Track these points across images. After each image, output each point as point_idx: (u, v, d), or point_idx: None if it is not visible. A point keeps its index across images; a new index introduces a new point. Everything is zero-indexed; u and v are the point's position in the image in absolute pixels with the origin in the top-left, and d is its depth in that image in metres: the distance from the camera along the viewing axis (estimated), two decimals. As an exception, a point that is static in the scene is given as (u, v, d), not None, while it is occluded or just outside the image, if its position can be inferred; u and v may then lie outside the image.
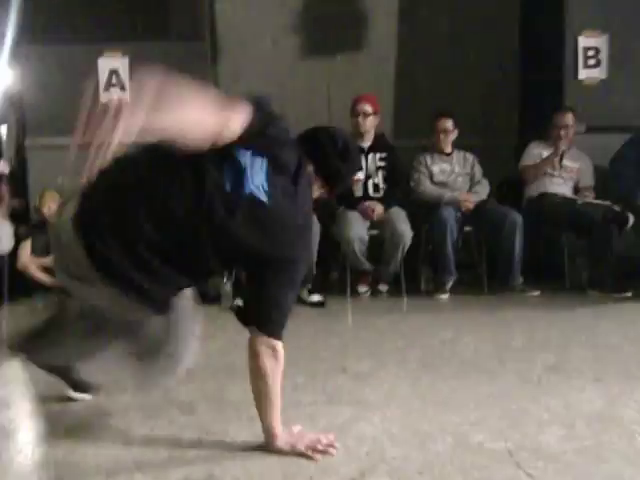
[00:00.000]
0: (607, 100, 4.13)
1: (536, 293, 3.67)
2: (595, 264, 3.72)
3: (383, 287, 3.82)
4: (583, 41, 4.21)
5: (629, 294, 3.55)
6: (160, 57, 4.37)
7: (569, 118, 3.93)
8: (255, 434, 1.62)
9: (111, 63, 4.32)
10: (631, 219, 3.56)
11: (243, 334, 1.54)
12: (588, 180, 4.04)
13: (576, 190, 4.04)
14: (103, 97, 4.33)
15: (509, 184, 4.24)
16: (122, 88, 4.34)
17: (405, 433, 1.62)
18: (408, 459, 1.46)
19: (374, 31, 4.70)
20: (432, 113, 4.08)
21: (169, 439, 1.61)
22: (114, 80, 4.33)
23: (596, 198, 3.92)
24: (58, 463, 1.48)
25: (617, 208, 3.66)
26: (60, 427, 1.72)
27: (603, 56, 4.21)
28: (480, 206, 3.88)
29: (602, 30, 4.19)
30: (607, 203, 3.74)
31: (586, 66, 4.22)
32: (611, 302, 3.43)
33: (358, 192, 3.83)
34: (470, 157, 4.06)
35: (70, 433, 1.67)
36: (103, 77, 4.33)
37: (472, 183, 4.03)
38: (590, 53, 4.21)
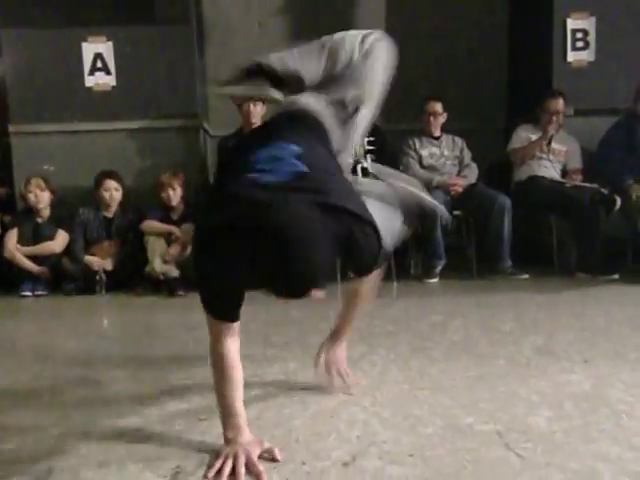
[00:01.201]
0: (595, 82, 4.15)
1: (525, 276, 3.70)
2: (583, 247, 3.75)
3: (373, 272, 3.83)
4: (571, 23, 4.21)
5: (616, 276, 3.59)
6: (145, 41, 4.32)
7: (560, 104, 3.95)
8: (247, 420, 1.62)
9: (95, 47, 4.25)
10: (618, 201, 3.59)
11: (233, 321, 1.53)
12: (576, 163, 4.06)
13: (564, 173, 4.05)
14: (88, 81, 4.27)
15: (498, 167, 4.25)
16: (107, 72, 4.28)
17: (396, 417, 1.63)
18: (399, 442, 1.47)
19: (362, 13, 4.66)
20: (422, 96, 4.07)
21: (161, 428, 1.60)
22: (99, 64, 4.27)
23: (584, 181, 3.94)
24: (49, 454, 1.48)
25: (605, 191, 3.69)
26: (50, 418, 1.71)
27: (591, 38, 4.21)
28: (469, 190, 3.89)
29: (590, 12, 4.18)
30: (595, 186, 3.77)
31: (574, 48, 4.23)
32: (599, 284, 3.47)
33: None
34: (459, 141, 4.07)
35: (60, 424, 1.67)
36: (88, 61, 4.27)
37: (461, 167, 4.04)
38: (578, 35, 4.21)
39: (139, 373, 2.09)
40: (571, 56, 4.24)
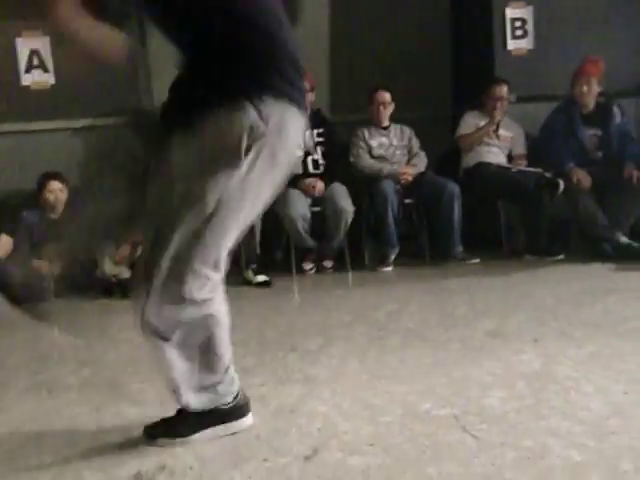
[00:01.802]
0: (535, 69, 4.26)
1: (476, 261, 3.79)
2: (530, 230, 3.87)
3: (328, 263, 3.85)
4: (510, 12, 4.31)
5: (562, 256, 3.72)
6: (84, 36, 4.16)
7: (504, 90, 4.04)
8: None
9: (31, 43, 4.08)
10: (561, 185, 3.71)
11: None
12: (521, 148, 4.17)
13: (510, 158, 4.16)
14: (25, 79, 4.11)
15: (446, 155, 4.32)
16: (45, 70, 4.12)
17: (355, 407, 1.65)
18: (359, 432, 1.49)
19: (307, 6, 4.63)
20: (368, 87, 4.09)
21: (118, 433, 1.58)
22: (35, 61, 4.11)
23: (528, 165, 4.05)
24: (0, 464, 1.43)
25: (548, 175, 3.80)
26: (2, 427, 1.66)
27: (529, 27, 4.33)
28: (419, 178, 3.95)
29: (527, 1, 4.30)
30: (539, 170, 3.88)
31: (514, 37, 4.33)
32: (546, 265, 3.59)
33: (298, 169, 3.82)
34: (407, 130, 4.11)
35: (12, 433, 1.61)
36: (23, 58, 4.09)
37: (410, 155, 4.09)
38: (517, 24, 4.32)
39: (94, 379, 2.05)
40: (511, 44, 4.34)
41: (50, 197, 3.84)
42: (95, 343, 2.58)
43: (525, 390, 1.71)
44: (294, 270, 3.70)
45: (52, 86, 4.11)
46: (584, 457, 1.32)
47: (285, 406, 1.69)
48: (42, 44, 4.09)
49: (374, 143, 4.03)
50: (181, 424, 1.48)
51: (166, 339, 1.38)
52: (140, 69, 4.25)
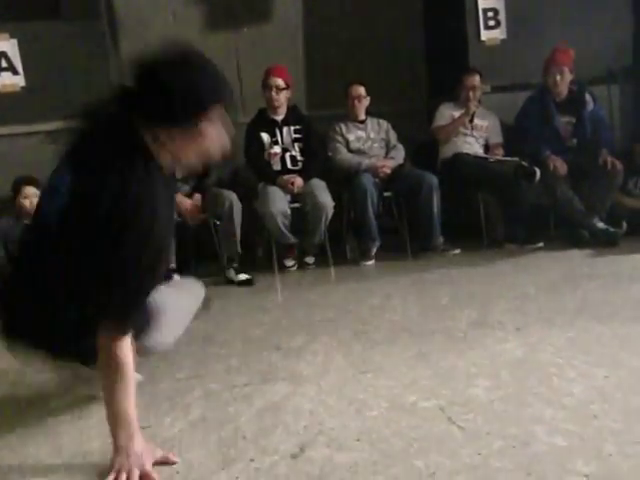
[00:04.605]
0: (508, 59, 4.29)
1: (457, 251, 3.81)
2: (509, 219, 3.90)
3: (309, 259, 3.84)
4: (482, 3, 4.33)
5: (541, 244, 3.76)
6: (53, 38, 4.09)
7: (476, 79, 4.06)
8: (191, 422, 1.60)
9: (-2, 46, 4.00)
10: (538, 173, 3.73)
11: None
12: (497, 137, 4.20)
13: (486, 148, 4.19)
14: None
15: (423, 147, 4.33)
16: (15, 72, 4.04)
17: (341, 403, 1.65)
18: (345, 428, 1.49)
19: (280, 2, 4.61)
20: (344, 81, 4.08)
21: (100, 439, 1.55)
22: (4, 63, 4.03)
23: (505, 154, 4.08)
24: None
25: (525, 163, 3.83)
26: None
27: (501, 17, 4.35)
28: (397, 171, 3.95)
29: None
30: (516, 159, 3.90)
31: (487, 27, 4.36)
32: (526, 253, 3.62)
33: (276, 166, 3.80)
34: (384, 123, 4.11)
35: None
36: (-9, 61, 4.01)
37: (388, 148, 4.09)
38: (489, 14, 4.34)
39: (73, 386, 2.01)
40: (484, 35, 4.36)
41: (25, 203, 3.77)
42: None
43: (509, 378, 1.72)
44: (276, 267, 3.68)
45: (22, 88, 4.03)
46: (569, 442, 1.33)
47: (271, 405, 1.68)
48: (10, 46, 4.00)
49: (351, 137, 4.02)
50: None
51: None
52: (113, 73, 4.18)
